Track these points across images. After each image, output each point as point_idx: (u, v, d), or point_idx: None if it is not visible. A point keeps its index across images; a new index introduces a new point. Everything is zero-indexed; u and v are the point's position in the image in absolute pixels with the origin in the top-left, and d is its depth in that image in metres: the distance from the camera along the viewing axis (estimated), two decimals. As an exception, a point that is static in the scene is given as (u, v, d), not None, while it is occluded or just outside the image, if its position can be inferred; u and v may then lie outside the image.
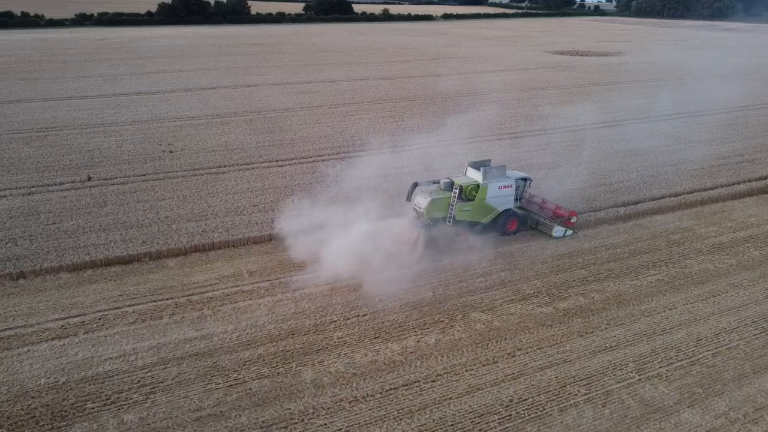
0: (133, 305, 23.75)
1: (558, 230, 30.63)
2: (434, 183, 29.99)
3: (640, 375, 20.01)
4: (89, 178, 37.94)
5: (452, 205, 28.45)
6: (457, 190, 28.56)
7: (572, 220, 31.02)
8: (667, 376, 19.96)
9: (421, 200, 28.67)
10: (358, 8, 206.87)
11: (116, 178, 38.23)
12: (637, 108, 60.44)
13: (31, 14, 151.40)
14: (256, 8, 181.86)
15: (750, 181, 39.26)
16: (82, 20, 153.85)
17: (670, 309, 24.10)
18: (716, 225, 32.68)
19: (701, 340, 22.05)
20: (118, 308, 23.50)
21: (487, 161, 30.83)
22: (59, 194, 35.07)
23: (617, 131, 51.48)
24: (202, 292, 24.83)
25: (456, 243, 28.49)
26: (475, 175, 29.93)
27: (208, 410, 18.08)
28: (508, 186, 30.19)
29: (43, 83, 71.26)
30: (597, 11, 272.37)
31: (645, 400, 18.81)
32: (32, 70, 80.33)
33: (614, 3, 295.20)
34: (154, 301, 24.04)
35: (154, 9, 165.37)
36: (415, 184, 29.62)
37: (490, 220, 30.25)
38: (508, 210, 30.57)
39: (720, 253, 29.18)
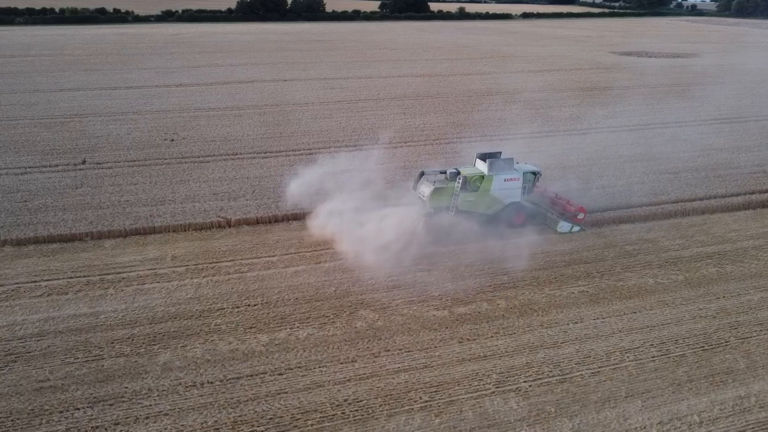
0: (49, 280, 25.06)
1: (563, 226, 30.14)
2: (441, 173, 30.45)
3: (497, 388, 18.82)
4: (83, 162, 40.31)
5: (455, 195, 28.63)
6: (460, 180, 28.62)
7: (579, 217, 30.27)
8: (525, 391, 18.66)
9: (425, 189, 29.21)
10: (434, 6, 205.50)
11: (107, 162, 40.36)
12: (674, 111, 56.38)
13: (122, 11, 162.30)
14: (331, 6, 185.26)
15: (752, 193, 35.62)
16: (166, 17, 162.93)
17: (576, 322, 22.46)
18: (686, 238, 30.00)
19: (589, 357, 20.42)
20: (34, 282, 24.90)
21: (497, 153, 30.64)
22: (47, 175, 37.52)
23: (634, 135, 48.29)
24: (118, 272, 25.83)
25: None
26: (482, 166, 30.03)
27: (51, 382, 18.83)
28: (514, 179, 29.88)
29: (100, 74, 76.13)
30: (694, 11, 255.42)
31: (485, 414, 17.68)
32: (96, 62, 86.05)
33: (715, 3, 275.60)
34: (70, 278, 25.27)
35: (234, 6, 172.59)
36: (422, 173, 30.24)
37: (496, 212, 30.02)
38: (516, 203, 30.20)
39: (670, 268, 26.78)
